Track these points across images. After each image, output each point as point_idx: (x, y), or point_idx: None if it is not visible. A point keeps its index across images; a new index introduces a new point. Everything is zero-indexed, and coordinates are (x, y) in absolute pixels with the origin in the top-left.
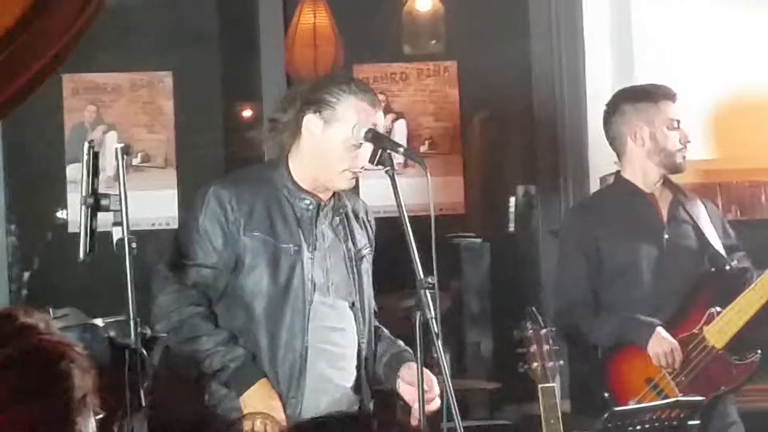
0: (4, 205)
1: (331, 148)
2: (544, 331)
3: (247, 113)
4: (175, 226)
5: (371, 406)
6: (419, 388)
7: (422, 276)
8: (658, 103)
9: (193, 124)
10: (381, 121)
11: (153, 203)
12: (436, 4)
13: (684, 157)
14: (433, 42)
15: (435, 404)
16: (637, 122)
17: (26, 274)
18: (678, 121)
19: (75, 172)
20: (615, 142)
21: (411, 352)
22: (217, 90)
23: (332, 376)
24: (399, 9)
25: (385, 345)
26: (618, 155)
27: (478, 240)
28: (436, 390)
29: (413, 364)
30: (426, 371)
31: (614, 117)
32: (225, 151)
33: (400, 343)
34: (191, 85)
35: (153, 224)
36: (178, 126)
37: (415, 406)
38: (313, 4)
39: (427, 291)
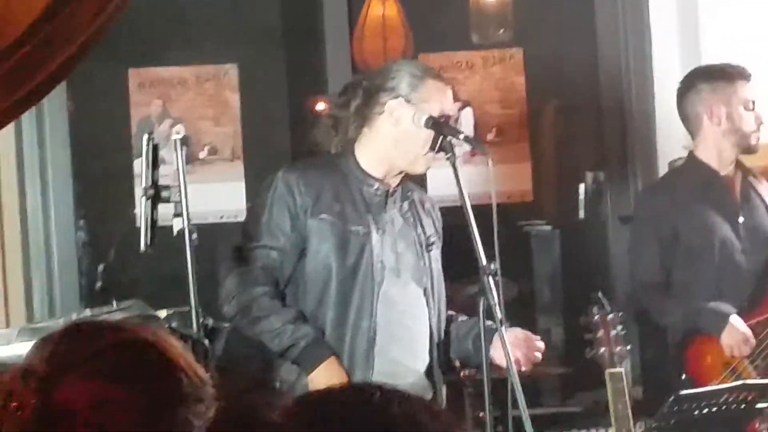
0: (73, 201)
1: (416, 130)
2: (611, 316)
3: (313, 106)
4: (242, 218)
5: (444, 393)
6: (485, 370)
7: (485, 262)
8: (735, 83)
9: (259, 117)
10: (452, 100)
11: (220, 196)
12: None
13: (758, 139)
14: (501, 31)
15: (539, 357)
16: (714, 101)
17: (100, 267)
18: (753, 102)
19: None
20: (689, 120)
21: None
22: (283, 82)
23: (404, 360)
24: None
25: (470, 324)
26: (692, 134)
27: (548, 227)
28: (540, 345)
29: (503, 333)
30: (525, 332)
31: (689, 95)
32: (291, 143)
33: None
34: (257, 77)
35: (221, 217)
36: (244, 119)
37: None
38: None
39: (490, 277)
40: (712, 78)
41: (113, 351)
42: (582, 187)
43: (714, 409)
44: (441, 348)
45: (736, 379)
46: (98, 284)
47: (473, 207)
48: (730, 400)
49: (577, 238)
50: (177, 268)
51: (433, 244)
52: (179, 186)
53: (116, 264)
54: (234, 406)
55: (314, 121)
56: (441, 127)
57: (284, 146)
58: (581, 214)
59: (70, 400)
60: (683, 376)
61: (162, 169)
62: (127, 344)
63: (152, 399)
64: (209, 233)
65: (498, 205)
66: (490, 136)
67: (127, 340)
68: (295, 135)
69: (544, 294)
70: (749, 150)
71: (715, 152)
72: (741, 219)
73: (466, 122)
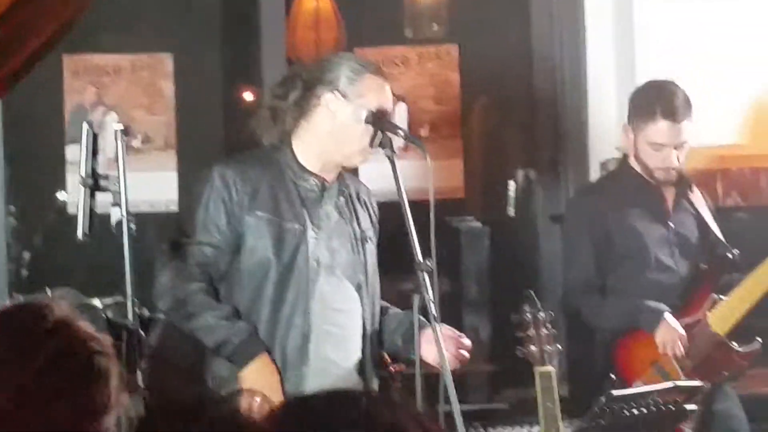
0: (3, 186)
1: (352, 124)
2: (542, 314)
3: (247, 96)
4: (174, 208)
5: (375, 388)
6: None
7: (421, 259)
8: (648, 123)
9: (193, 107)
10: (390, 97)
11: (152, 185)
12: None
13: (664, 174)
14: (435, 26)
15: (467, 356)
16: (628, 131)
17: (27, 255)
18: (661, 146)
19: (75, 153)
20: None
21: (426, 320)
22: (218, 72)
23: (336, 358)
24: None
25: (400, 318)
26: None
27: (478, 224)
28: (467, 343)
29: (429, 328)
30: (453, 330)
31: (627, 114)
32: (225, 134)
33: None
34: (192, 67)
35: (152, 206)
36: (179, 108)
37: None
38: None
39: (426, 274)
40: (632, 113)
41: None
42: (512, 184)
43: (645, 410)
44: (374, 343)
45: (664, 378)
46: (24, 272)
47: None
48: (661, 401)
49: (506, 236)
50: (110, 257)
51: (369, 238)
52: (118, 176)
53: (46, 251)
54: (217, 411)
55: (249, 111)
56: (381, 123)
57: (218, 137)
58: (511, 211)
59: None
60: (611, 375)
61: None
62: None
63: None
64: (140, 222)
65: (422, 201)
66: (423, 132)
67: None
68: (229, 126)
69: (472, 290)
70: (657, 181)
71: (642, 168)
72: (672, 225)
73: (400, 118)
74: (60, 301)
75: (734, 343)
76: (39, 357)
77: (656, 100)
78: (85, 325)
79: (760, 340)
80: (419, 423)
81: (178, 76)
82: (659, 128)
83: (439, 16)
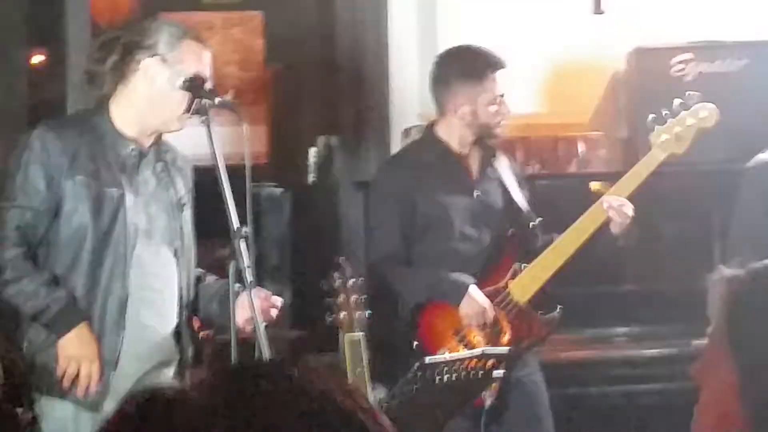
0: None
1: (169, 90)
2: (351, 281)
3: (50, 59)
4: None
5: (190, 353)
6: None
7: (236, 225)
8: (483, 79)
9: None
10: (209, 63)
11: None
12: None
13: (502, 128)
14: None
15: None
16: (461, 100)
17: None
18: (500, 96)
19: None
20: (437, 104)
21: (243, 286)
22: (20, 34)
23: (153, 324)
24: None
25: (216, 285)
26: (438, 113)
27: (279, 190)
28: (277, 301)
29: (244, 293)
30: (264, 290)
31: (440, 85)
32: (27, 98)
33: None
34: None
35: None
36: None
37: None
38: None
39: (241, 240)
40: (462, 75)
41: None
42: (313, 150)
43: (455, 376)
44: (189, 309)
45: (465, 346)
46: None
47: (213, 168)
48: (470, 367)
49: (308, 202)
50: None
51: (185, 204)
52: None
53: None
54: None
55: (52, 75)
56: (197, 89)
57: (20, 101)
58: (311, 177)
59: None
60: (415, 343)
61: None
62: None
63: None
64: None
65: (231, 166)
66: (227, 98)
67: None
68: (31, 90)
69: (273, 257)
70: (492, 136)
71: (456, 136)
72: (476, 194)
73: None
74: None
75: (535, 311)
76: None
77: (480, 58)
78: None
79: (560, 307)
80: (347, 393)
81: None
82: (493, 81)
83: None
